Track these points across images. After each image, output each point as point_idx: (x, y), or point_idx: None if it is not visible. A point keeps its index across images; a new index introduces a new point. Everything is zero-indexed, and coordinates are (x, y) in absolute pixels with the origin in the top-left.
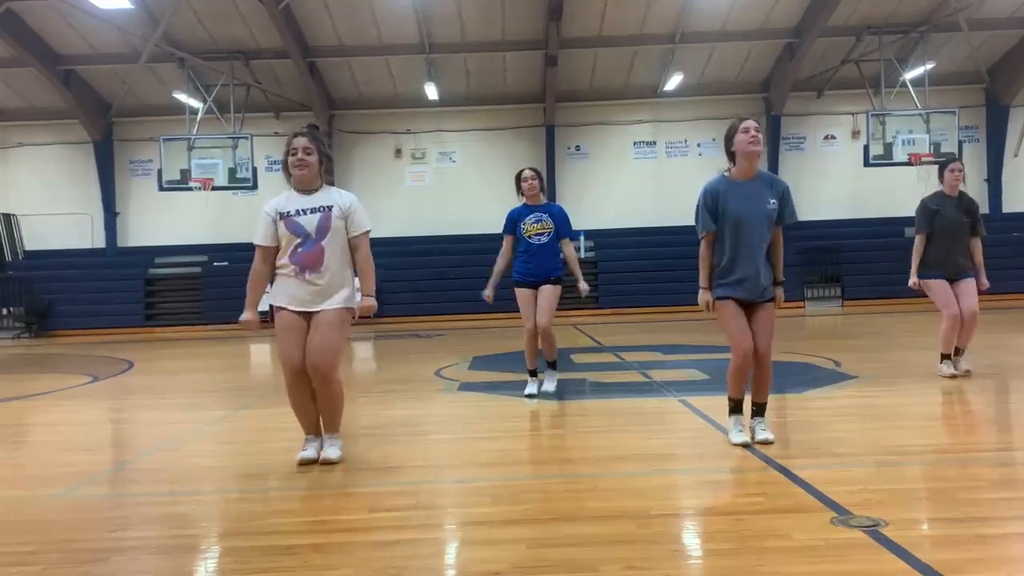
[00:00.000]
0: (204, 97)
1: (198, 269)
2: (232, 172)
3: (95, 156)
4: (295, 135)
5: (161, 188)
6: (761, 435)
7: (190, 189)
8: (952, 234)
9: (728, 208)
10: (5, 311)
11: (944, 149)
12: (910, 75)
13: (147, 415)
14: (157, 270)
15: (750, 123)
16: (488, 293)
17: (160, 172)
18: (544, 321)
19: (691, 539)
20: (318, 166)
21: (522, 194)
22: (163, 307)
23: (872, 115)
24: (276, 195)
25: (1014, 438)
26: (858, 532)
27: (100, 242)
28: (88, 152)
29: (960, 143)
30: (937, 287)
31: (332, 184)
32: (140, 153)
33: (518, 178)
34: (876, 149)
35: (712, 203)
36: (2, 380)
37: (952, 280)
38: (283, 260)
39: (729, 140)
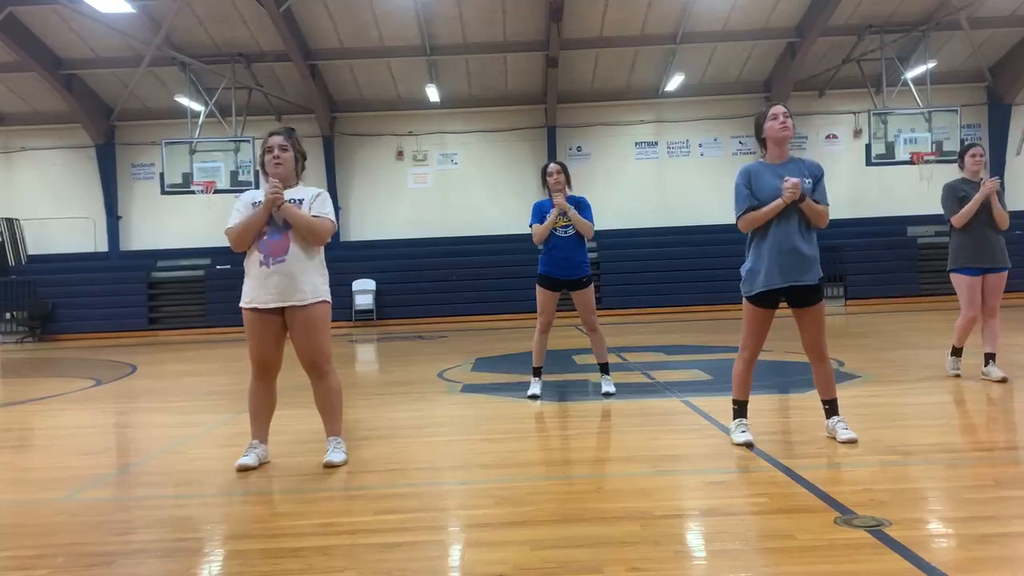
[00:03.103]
0: (206, 100)
1: (201, 272)
2: (234, 175)
3: (97, 160)
4: (271, 134)
5: (163, 191)
6: (844, 435)
7: (192, 192)
8: (983, 218)
9: (763, 187)
10: (8, 315)
11: (946, 148)
12: (911, 74)
13: (151, 418)
14: (160, 273)
15: (779, 108)
16: (558, 203)
17: (162, 175)
18: (591, 319)
19: (695, 540)
20: (293, 164)
21: (547, 188)
22: (166, 310)
23: (874, 114)
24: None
25: (1018, 437)
26: (862, 532)
27: (103, 246)
28: (90, 156)
29: (962, 142)
30: (966, 285)
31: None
32: (142, 157)
33: (544, 171)
34: (878, 148)
35: (748, 182)
36: (6, 384)
37: (987, 271)
38: (252, 252)
39: (759, 128)
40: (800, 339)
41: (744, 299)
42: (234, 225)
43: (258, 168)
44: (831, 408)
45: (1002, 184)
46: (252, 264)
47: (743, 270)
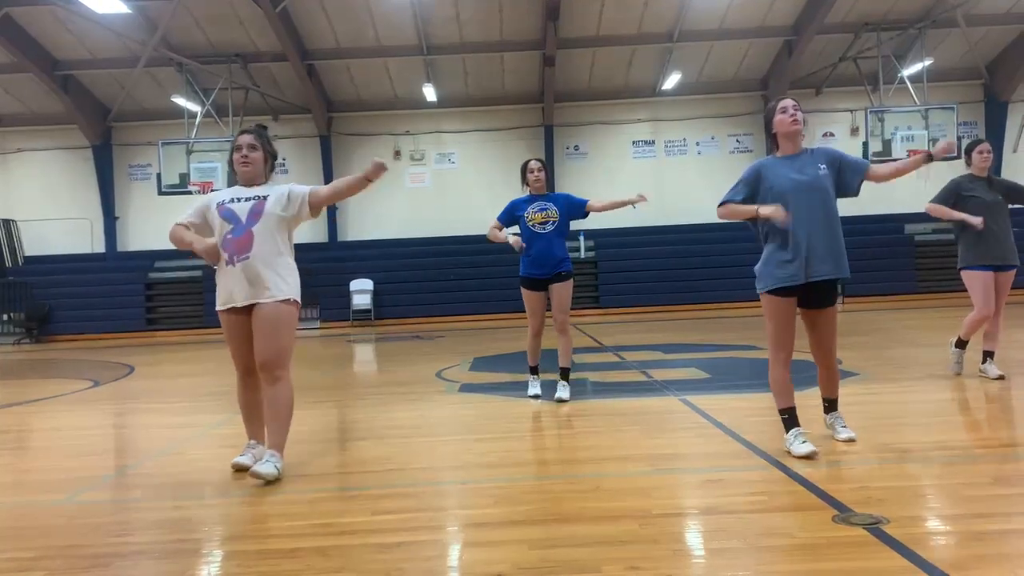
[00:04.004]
0: (202, 101)
1: (198, 273)
2: (231, 175)
3: (94, 161)
4: (240, 133)
5: (160, 192)
6: (843, 434)
7: (189, 193)
8: (993, 215)
9: (775, 183)
10: (6, 316)
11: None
12: (908, 71)
13: (148, 419)
14: (157, 274)
15: (787, 102)
16: (514, 242)
17: (159, 176)
18: (562, 318)
19: (693, 538)
20: (262, 163)
21: (527, 184)
22: (163, 311)
23: (871, 112)
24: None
25: (1016, 434)
26: (860, 530)
27: (100, 247)
28: (87, 157)
29: (959, 139)
30: (979, 282)
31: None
32: (139, 157)
33: (524, 168)
34: (875, 146)
35: (754, 177)
36: (3, 385)
37: (996, 269)
38: (220, 251)
39: (768, 123)
40: (808, 340)
41: (761, 295)
42: (178, 225)
43: (228, 166)
44: (831, 405)
45: None
46: (220, 264)
47: (757, 268)
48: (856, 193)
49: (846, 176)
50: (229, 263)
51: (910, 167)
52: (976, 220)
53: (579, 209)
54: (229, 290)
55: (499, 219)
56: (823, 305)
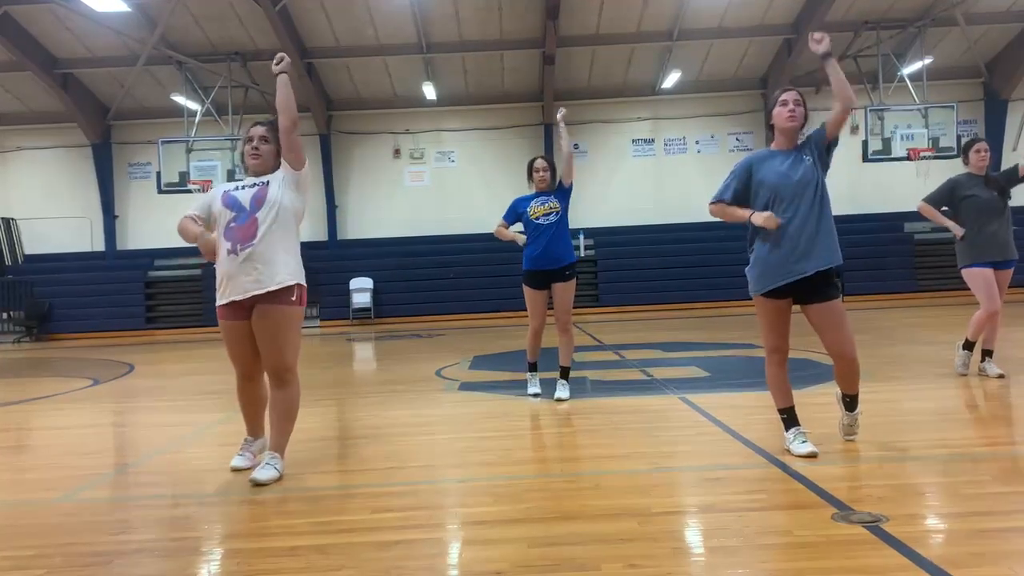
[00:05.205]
0: (202, 99)
1: (198, 271)
2: (231, 174)
3: (94, 159)
4: (254, 124)
5: (160, 191)
6: (848, 437)
7: (189, 191)
8: (991, 213)
9: (765, 176)
10: (5, 315)
11: (943, 144)
12: (908, 70)
13: (148, 418)
14: (157, 272)
15: (790, 95)
16: (518, 240)
17: (159, 175)
18: (564, 318)
19: (692, 536)
20: (272, 158)
21: (532, 182)
22: (163, 310)
23: (870, 110)
24: None
25: (1015, 433)
26: (859, 528)
27: (100, 245)
28: (87, 155)
29: (959, 138)
30: (982, 279)
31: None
32: (139, 156)
33: (530, 166)
34: (875, 144)
35: (743, 174)
36: (3, 384)
37: (996, 266)
38: (220, 241)
39: (769, 113)
40: (819, 338)
41: (754, 297)
42: (187, 218)
43: (238, 160)
44: (851, 403)
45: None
46: (220, 255)
47: (747, 271)
48: (834, 145)
49: (819, 147)
50: (232, 252)
51: (839, 80)
52: (959, 231)
53: (563, 188)
54: (232, 281)
55: (504, 218)
56: (821, 299)
